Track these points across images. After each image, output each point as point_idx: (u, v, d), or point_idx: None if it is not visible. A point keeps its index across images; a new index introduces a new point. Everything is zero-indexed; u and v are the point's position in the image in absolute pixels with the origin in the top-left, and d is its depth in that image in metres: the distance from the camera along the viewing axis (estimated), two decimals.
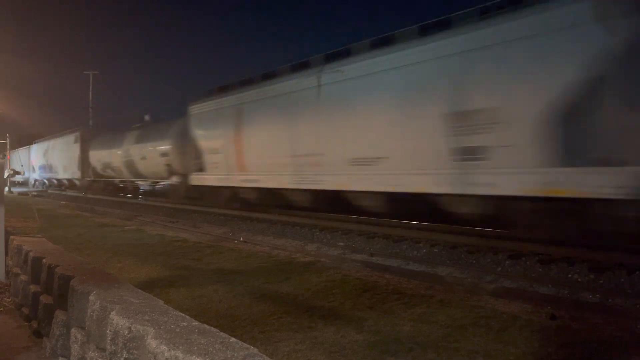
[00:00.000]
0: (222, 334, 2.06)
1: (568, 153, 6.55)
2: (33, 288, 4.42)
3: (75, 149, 26.59)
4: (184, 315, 2.39)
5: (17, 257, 5.53)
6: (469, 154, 7.67)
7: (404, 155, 8.75)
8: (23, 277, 4.92)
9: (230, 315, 4.14)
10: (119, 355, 2.29)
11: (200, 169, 14.88)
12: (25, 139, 40.66)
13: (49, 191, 30.76)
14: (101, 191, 25.01)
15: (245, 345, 1.92)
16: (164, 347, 1.92)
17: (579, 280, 5.91)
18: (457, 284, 5.41)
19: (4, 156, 33.38)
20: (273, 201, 12.82)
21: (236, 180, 13.35)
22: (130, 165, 20.86)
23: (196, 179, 15.25)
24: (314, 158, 10.68)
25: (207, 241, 8.75)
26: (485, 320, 3.93)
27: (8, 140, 33.77)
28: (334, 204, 10.95)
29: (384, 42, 9.68)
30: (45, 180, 34.27)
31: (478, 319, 3.97)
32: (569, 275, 6.08)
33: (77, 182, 27.74)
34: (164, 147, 17.86)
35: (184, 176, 16.17)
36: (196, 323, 2.23)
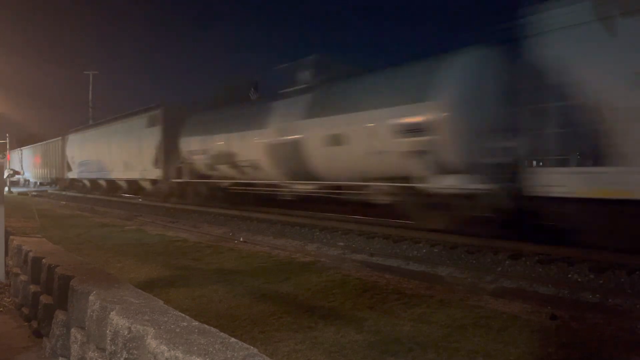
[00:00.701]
0: (222, 334, 2.06)
1: None
2: (33, 288, 4.42)
3: (152, 136, 17.90)
4: (184, 315, 2.39)
5: (17, 257, 5.53)
6: None
7: None
8: (23, 277, 4.92)
9: (230, 315, 4.14)
10: (118, 355, 2.29)
11: None
12: (25, 139, 40.19)
13: (49, 191, 30.49)
14: (205, 200, 15.45)
15: (245, 345, 1.92)
16: (164, 347, 1.92)
17: (579, 280, 5.91)
18: (457, 284, 5.41)
19: (4, 156, 33.29)
20: None
21: None
22: (290, 156, 11.60)
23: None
24: None
25: (207, 241, 8.75)
26: (485, 320, 3.93)
27: (8, 140, 33.76)
28: None
29: None
30: (87, 182, 25.94)
31: (478, 319, 3.97)
32: (569, 275, 6.08)
33: (149, 186, 18.84)
34: (420, 115, 8.45)
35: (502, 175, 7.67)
36: (196, 323, 2.23)
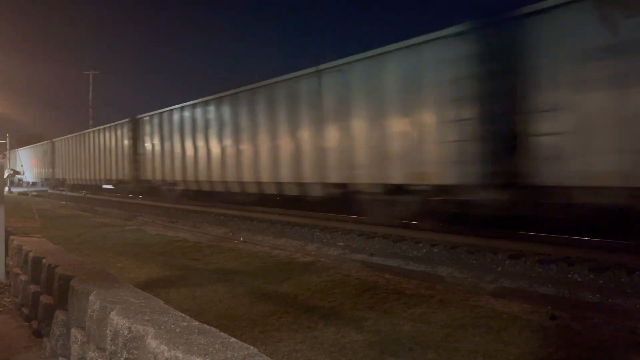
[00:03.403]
0: (222, 334, 2.06)
1: None
2: (33, 288, 4.42)
3: None
4: (184, 315, 2.39)
5: (17, 257, 5.53)
6: None
7: None
8: (23, 277, 4.92)
9: (230, 315, 4.14)
10: (119, 355, 2.29)
11: None
12: (25, 139, 40.12)
13: (49, 191, 30.52)
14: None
15: (245, 345, 1.92)
16: (164, 347, 1.92)
17: (579, 280, 5.91)
18: (457, 284, 5.41)
19: (4, 156, 33.25)
20: None
21: None
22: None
23: None
24: None
25: (207, 241, 8.75)
26: (485, 320, 3.92)
27: (8, 140, 33.71)
28: None
29: None
30: None
31: (478, 319, 3.97)
32: (569, 275, 6.08)
33: None
34: None
35: None
36: (196, 323, 2.24)
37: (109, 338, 2.43)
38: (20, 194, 27.43)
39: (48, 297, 3.97)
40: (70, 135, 28.24)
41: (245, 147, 13.04)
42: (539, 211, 7.32)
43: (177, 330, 2.12)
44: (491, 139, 7.53)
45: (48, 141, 32.32)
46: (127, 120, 20.27)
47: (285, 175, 11.69)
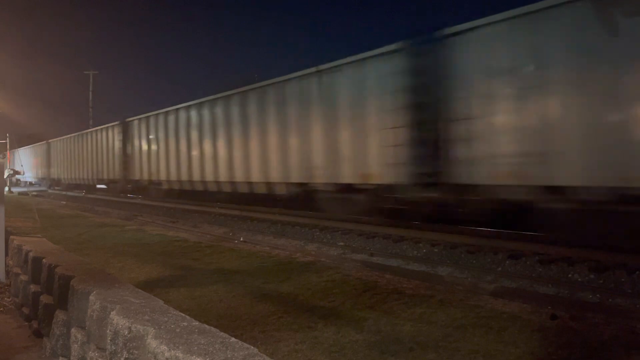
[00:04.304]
0: (222, 334, 2.07)
1: None
2: (33, 288, 4.42)
3: None
4: (184, 315, 2.39)
5: (17, 257, 5.54)
6: None
7: None
8: (23, 277, 4.92)
9: (230, 315, 4.14)
10: (119, 355, 2.30)
11: None
12: (25, 139, 39.58)
13: (49, 191, 30.33)
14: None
15: (245, 345, 1.92)
16: (164, 347, 1.92)
17: (579, 280, 5.91)
18: (457, 284, 5.41)
19: (4, 156, 32.98)
20: None
21: None
22: None
23: None
24: None
25: (207, 241, 8.75)
26: (485, 320, 3.92)
27: (8, 140, 33.60)
28: None
29: None
30: None
31: (478, 319, 3.97)
32: (569, 275, 6.09)
33: None
34: None
35: None
36: (196, 323, 2.24)
37: (109, 338, 2.43)
38: (20, 193, 27.42)
39: (48, 297, 3.97)
40: (171, 108, 17.15)
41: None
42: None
43: (177, 330, 2.12)
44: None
45: (117, 122, 21.57)
46: (309, 71, 11.10)
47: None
